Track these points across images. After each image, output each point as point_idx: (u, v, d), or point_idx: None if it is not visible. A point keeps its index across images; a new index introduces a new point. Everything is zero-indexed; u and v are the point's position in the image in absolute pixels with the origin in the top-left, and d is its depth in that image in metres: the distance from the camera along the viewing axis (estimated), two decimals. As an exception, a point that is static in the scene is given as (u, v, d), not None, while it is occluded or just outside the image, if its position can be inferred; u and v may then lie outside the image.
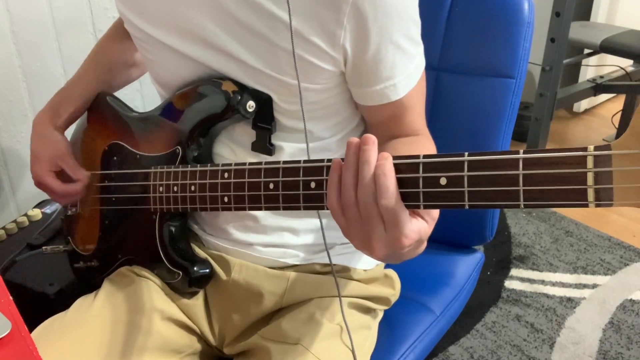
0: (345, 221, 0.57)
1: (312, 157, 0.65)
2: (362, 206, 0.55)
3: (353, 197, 0.55)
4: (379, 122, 0.78)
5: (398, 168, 0.55)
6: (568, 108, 2.87)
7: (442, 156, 0.53)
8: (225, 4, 0.70)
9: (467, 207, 0.51)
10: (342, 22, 0.67)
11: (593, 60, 2.71)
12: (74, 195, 0.93)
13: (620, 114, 2.64)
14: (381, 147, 0.71)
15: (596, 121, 2.83)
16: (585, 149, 0.46)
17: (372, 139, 0.55)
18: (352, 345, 0.79)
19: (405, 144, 0.75)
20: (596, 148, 0.46)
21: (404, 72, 0.72)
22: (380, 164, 0.54)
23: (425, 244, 0.59)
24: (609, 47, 2.28)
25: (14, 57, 1.35)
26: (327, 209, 0.59)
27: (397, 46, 0.69)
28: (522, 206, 0.49)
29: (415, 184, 0.54)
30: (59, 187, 0.92)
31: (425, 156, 0.54)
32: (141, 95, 1.60)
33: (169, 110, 0.82)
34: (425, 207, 0.54)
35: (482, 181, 0.50)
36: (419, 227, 0.55)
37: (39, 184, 0.94)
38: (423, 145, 0.76)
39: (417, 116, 0.77)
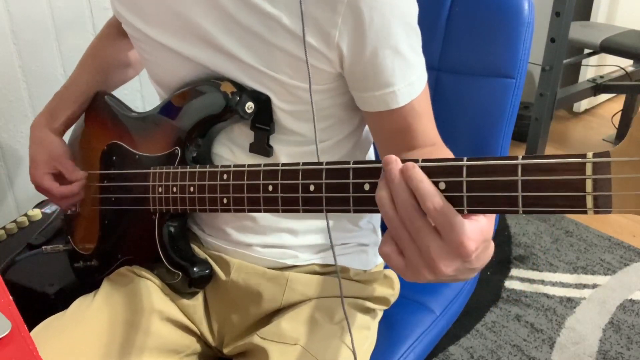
0: (403, 257, 0.53)
1: (309, 161, 0.65)
2: (407, 221, 0.51)
3: (395, 218, 0.51)
4: (389, 134, 0.75)
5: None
6: (568, 108, 2.87)
7: (440, 161, 0.53)
8: (223, 4, 0.70)
9: (465, 212, 0.51)
10: (337, 22, 0.67)
11: (593, 60, 2.71)
12: (71, 197, 0.93)
13: (620, 114, 2.64)
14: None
15: (596, 121, 2.83)
16: (584, 156, 0.46)
17: (392, 158, 0.52)
18: (352, 345, 0.79)
19: (425, 155, 0.70)
20: (595, 155, 0.45)
21: (405, 80, 0.70)
22: (409, 175, 0.51)
23: (492, 246, 0.55)
24: (609, 47, 2.29)
25: (14, 57, 1.35)
26: (327, 212, 0.59)
27: (396, 51, 0.68)
28: (521, 212, 0.49)
29: None
30: (56, 190, 0.92)
31: (424, 160, 0.54)
32: (141, 95, 1.60)
33: (167, 111, 0.82)
34: None
35: (481, 187, 0.50)
36: (479, 225, 0.50)
37: (38, 187, 0.94)
38: (443, 154, 0.72)
39: (428, 125, 0.74)
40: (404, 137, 0.74)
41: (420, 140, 0.74)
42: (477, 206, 0.51)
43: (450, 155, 0.72)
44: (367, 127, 0.84)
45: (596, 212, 0.46)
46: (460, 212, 0.51)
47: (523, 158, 0.49)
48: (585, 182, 0.46)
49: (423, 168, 0.53)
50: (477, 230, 0.49)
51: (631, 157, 0.44)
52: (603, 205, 0.45)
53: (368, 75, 0.70)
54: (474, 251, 0.49)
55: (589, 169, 0.46)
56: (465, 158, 0.51)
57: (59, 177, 0.94)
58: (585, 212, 0.46)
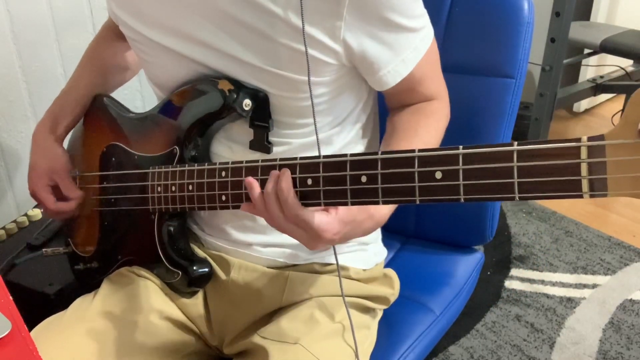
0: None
1: (314, 152, 0.65)
2: (277, 220, 0.64)
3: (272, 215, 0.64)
4: (393, 94, 0.79)
5: (395, 162, 0.55)
6: (568, 108, 2.87)
7: (437, 150, 0.53)
8: (221, 3, 0.70)
9: (462, 200, 0.52)
10: (342, 14, 0.67)
11: (593, 60, 2.71)
12: (64, 214, 0.94)
13: (620, 114, 2.64)
14: (397, 115, 0.80)
15: (596, 121, 2.82)
16: (578, 140, 0.46)
17: (253, 184, 0.65)
18: (355, 344, 0.79)
19: (412, 114, 0.79)
20: (589, 139, 0.46)
21: (410, 45, 0.73)
22: (279, 181, 0.62)
23: (372, 221, 0.66)
24: (609, 47, 2.29)
25: (14, 57, 1.35)
26: (324, 205, 0.60)
27: (400, 27, 0.71)
28: (517, 198, 0.49)
29: (411, 179, 0.54)
30: (51, 205, 0.92)
31: (420, 150, 0.54)
32: (141, 96, 1.60)
33: (165, 111, 0.82)
34: (422, 201, 0.54)
35: (477, 174, 0.51)
36: (335, 218, 0.62)
37: (34, 196, 0.94)
38: (431, 112, 0.79)
39: (430, 83, 0.79)
40: (406, 96, 0.79)
41: (419, 97, 0.80)
42: (474, 194, 0.51)
43: (441, 111, 0.80)
44: (367, 119, 0.85)
45: (592, 196, 0.46)
46: (457, 200, 0.51)
47: (518, 144, 0.49)
48: (580, 166, 0.46)
49: (419, 157, 0.53)
50: (333, 222, 0.62)
51: (626, 139, 0.44)
52: (599, 188, 0.45)
53: (381, 55, 0.72)
54: (335, 236, 0.63)
55: (584, 153, 0.46)
56: (461, 146, 0.52)
57: (56, 190, 0.94)
58: (581, 196, 0.46)
